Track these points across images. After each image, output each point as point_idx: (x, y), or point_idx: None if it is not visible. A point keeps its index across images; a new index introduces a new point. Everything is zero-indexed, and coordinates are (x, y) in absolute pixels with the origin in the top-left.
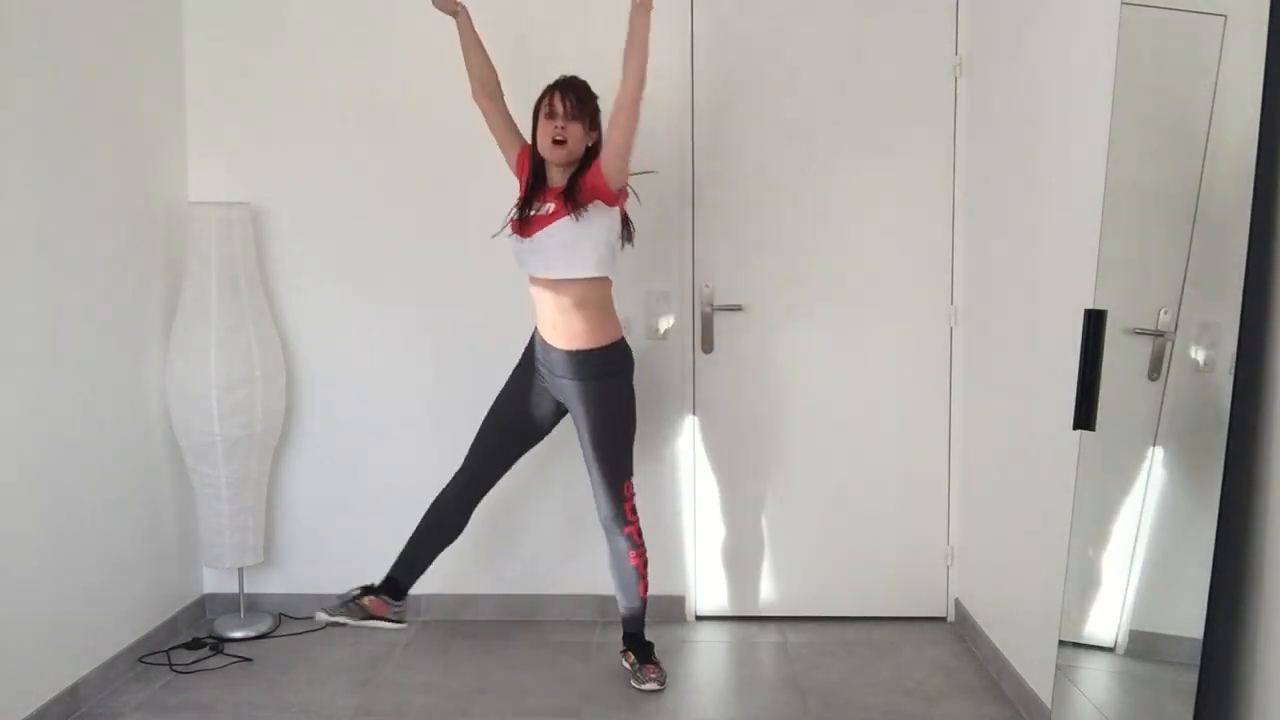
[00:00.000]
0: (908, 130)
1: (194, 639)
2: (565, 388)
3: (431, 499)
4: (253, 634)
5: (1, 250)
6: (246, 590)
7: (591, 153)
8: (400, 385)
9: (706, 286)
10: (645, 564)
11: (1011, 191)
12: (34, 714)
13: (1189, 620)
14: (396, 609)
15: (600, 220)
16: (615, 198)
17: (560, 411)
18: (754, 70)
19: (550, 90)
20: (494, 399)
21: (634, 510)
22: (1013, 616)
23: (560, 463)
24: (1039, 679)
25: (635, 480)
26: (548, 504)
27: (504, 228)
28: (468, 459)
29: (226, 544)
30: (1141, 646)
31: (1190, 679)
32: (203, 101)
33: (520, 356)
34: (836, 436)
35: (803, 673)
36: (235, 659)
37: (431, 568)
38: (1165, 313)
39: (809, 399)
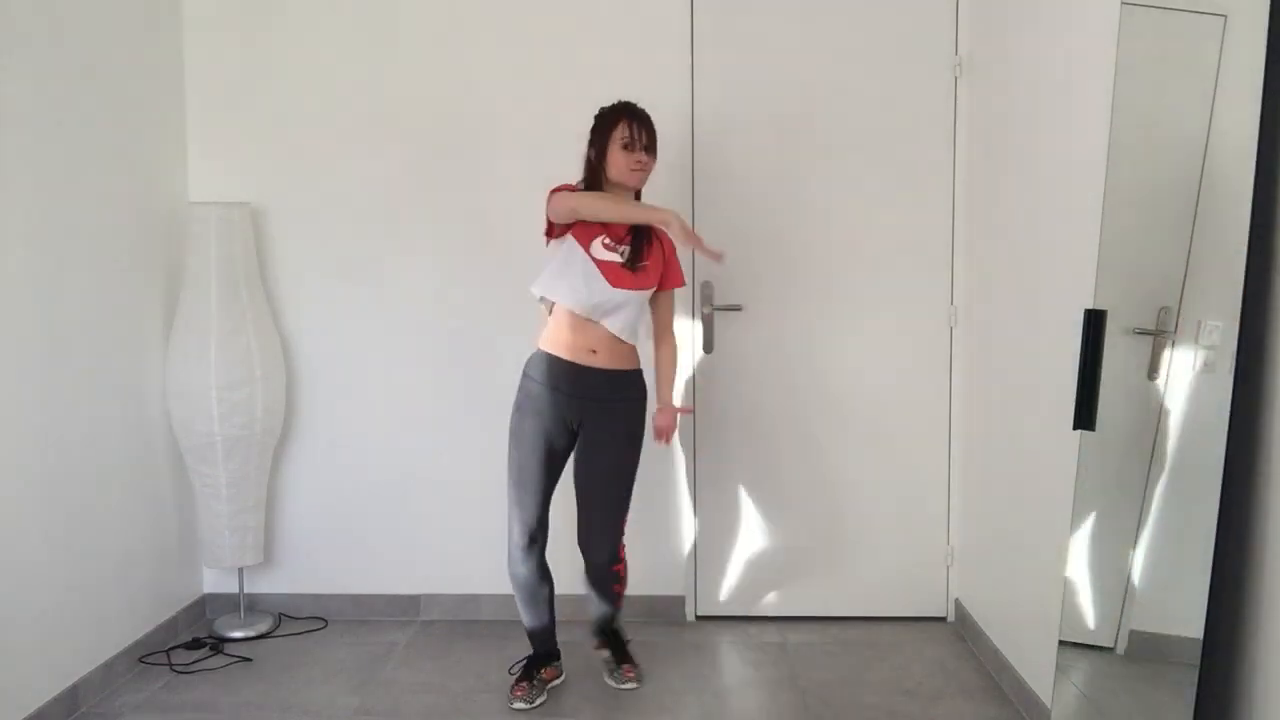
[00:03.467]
0: (908, 130)
1: (194, 639)
2: (594, 408)
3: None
4: (253, 634)
5: (2, 250)
6: (246, 590)
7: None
8: (400, 385)
9: (706, 286)
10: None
11: (1011, 191)
12: (34, 714)
13: (1189, 620)
14: (558, 664)
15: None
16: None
17: (573, 438)
18: (754, 70)
19: (627, 119)
20: (516, 449)
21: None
22: (1013, 616)
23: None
24: (1039, 679)
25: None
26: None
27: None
28: (522, 517)
29: (226, 544)
30: (1141, 646)
31: (1190, 679)
32: (203, 101)
33: (526, 390)
34: (836, 436)
35: (803, 673)
36: (235, 659)
37: (432, 568)
38: (1165, 313)
39: (809, 399)
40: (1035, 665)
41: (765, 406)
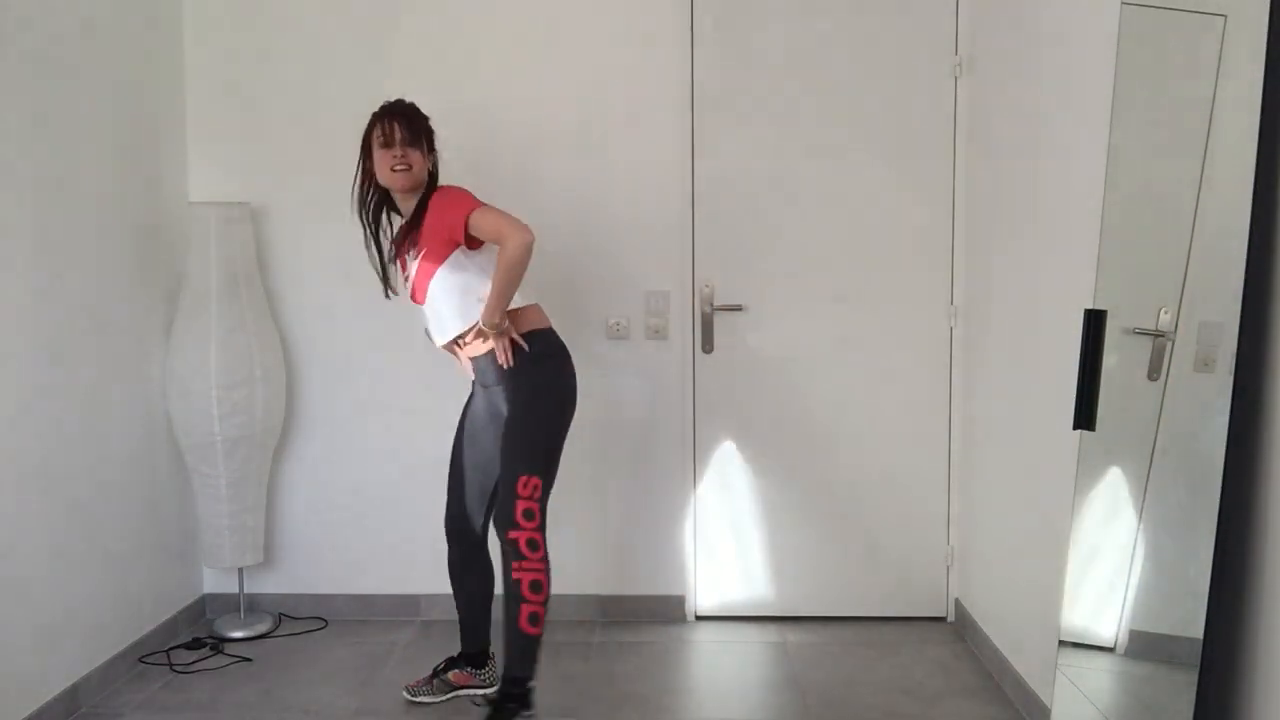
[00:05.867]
0: (908, 130)
1: (194, 639)
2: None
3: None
4: (253, 634)
5: (2, 250)
6: (246, 590)
7: (433, 185)
8: (400, 385)
9: (706, 286)
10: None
11: (1011, 191)
12: (34, 714)
13: (1189, 620)
14: (482, 675)
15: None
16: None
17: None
18: (754, 70)
19: (379, 118)
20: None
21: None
22: (1013, 616)
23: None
24: (1039, 679)
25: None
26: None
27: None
28: (451, 511)
29: (226, 544)
30: (1141, 646)
31: (1190, 679)
32: (203, 101)
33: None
34: (836, 436)
35: (803, 673)
36: (235, 659)
37: (432, 568)
38: (1165, 313)
39: (809, 399)
40: (1035, 665)
41: (765, 406)
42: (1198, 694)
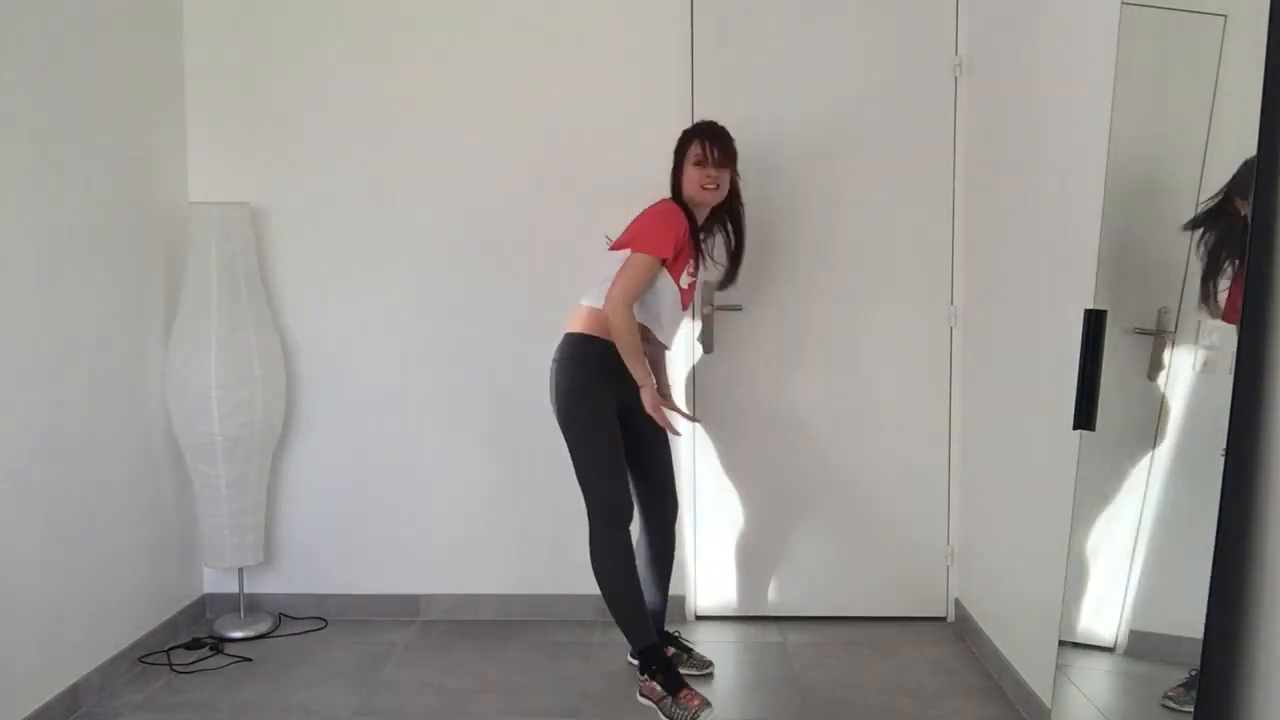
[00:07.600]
0: (908, 131)
1: (194, 639)
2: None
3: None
4: (253, 634)
5: (2, 250)
6: (246, 590)
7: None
8: (400, 384)
9: (707, 286)
10: None
11: (1011, 191)
12: (34, 714)
13: (1189, 620)
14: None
15: None
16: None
17: None
18: (754, 71)
19: (698, 137)
20: (600, 435)
21: None
22: (1013, 616)
23: (558, 462)
24: (1039, 679)
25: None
26: (547, 504)
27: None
28: (628, 497)
29: (226, 544)
30: (1141, 646)
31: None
32: (203, 101)
33: (593, 380)
34: (836, 436)
35: (803, 673)
36: (235, 659)
37: (432, 568)
38: (1165, 313)
39: (809, 399)
40: (1035, 665)
41: (765, 406)
42: (1198, 694)
